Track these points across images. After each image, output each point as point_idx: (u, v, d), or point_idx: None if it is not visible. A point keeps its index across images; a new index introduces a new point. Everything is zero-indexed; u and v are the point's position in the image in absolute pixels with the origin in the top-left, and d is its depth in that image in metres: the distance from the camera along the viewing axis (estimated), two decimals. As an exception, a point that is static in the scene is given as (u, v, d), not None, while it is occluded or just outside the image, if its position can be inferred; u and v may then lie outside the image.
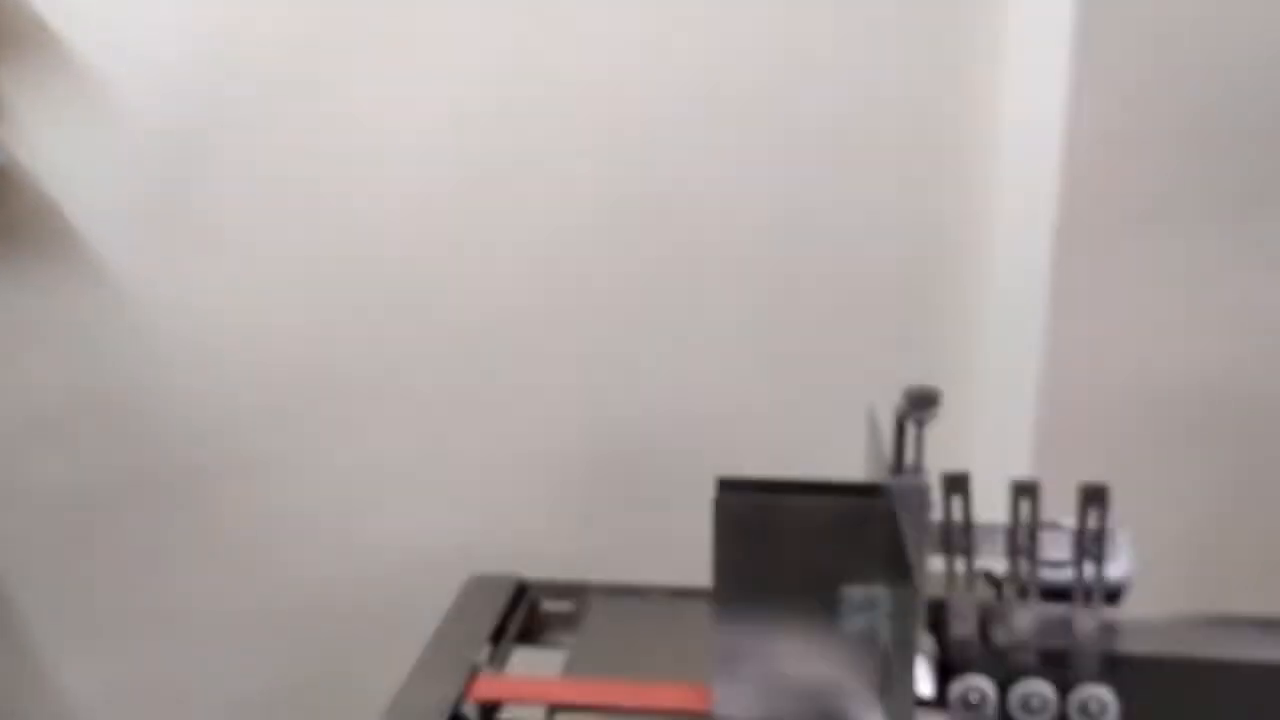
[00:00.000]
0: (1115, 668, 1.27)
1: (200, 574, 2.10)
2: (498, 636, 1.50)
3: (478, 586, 1.59)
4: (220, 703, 2.14)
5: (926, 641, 1.28)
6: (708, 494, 1.24)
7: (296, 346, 2.00)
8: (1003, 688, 1.23)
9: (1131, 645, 1.42)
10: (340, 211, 1.94)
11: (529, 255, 1.94)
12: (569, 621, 1.56)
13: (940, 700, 1.24)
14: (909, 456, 1.33)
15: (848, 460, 1.42)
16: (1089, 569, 1.23)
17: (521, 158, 1.91)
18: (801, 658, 1.25)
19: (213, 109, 1.91)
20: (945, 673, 1.25)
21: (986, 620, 1.44)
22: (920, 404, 1.28)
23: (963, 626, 1.26)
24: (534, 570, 1.61)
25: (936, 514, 1.26)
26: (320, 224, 1.95)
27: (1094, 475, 1.21)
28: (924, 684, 1.24)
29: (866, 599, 1.22)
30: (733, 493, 1.25)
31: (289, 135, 1.92)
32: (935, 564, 1.27)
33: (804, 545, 1.22)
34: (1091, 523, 1.21)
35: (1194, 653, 1.40)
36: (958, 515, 1.24)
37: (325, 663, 2.05)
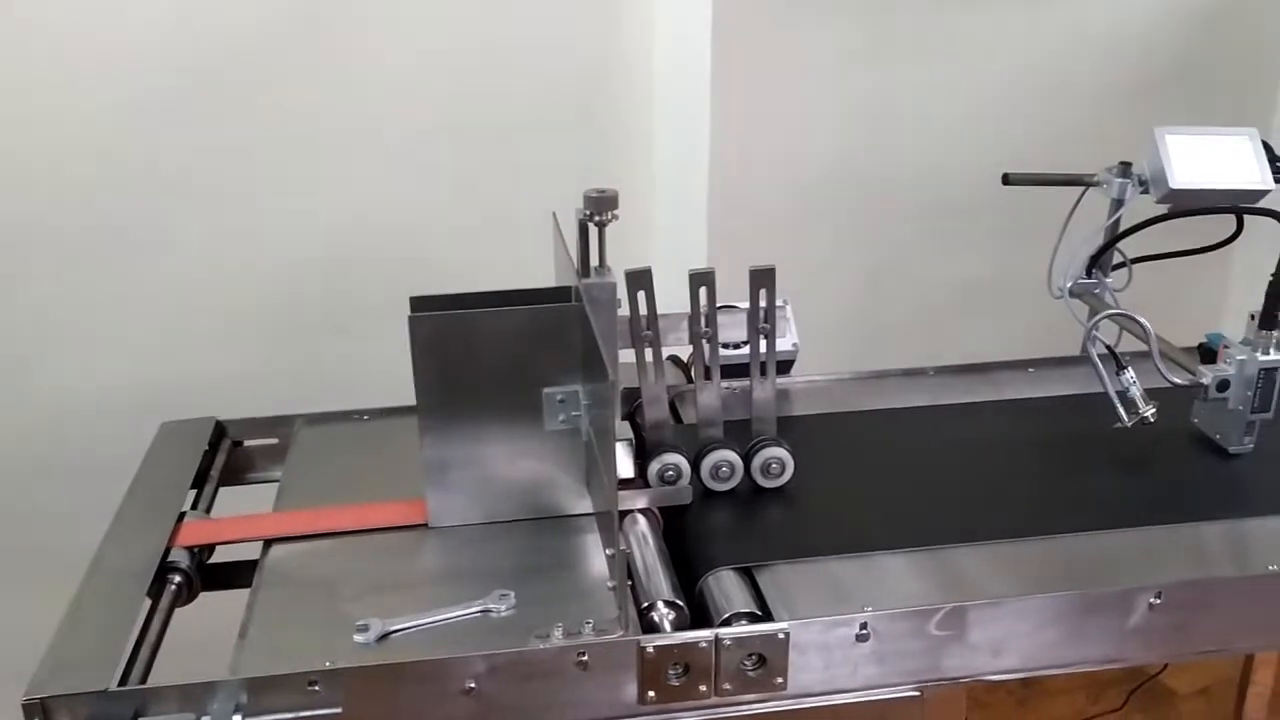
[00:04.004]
0: (790, 429, 1.41)
1: None
2: (200, 481, 1.46)
3: (173, 432, 1.53)
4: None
5: (624, 428, 1.37)
6: (402, 314, 1.24)
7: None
8: (695, 461, 1.34)
9: (801, 408, 1.59)
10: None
11: (197, 82, 1.78)
12: (275, 455, 1.53)
13: (641, 479, 1.34)
14: (594, 258, 1.38)
15: (537, 267, 1.45)
16: (763, 345, 1.34)
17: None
18: (510, 460, 1.30)
19: None
20: (643, 454, 1.35)
21: (676, 402, 1.56)
22: (600, 206, 1.32)
23: (656, 410, 1.35)
24: (234, 412, 1.56)
25: (624, 309, 1.32)
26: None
27: (760, 258, 1.30)
28: (625, 467, 1.33)
29: (566, 396, 1.29)
30: (426, 310, 1.26)
31: None
32: (626, 355, 1.35)
33: (502, 353, 1.26)
34: (762, 302, 1.31)
35: (852, 407, 1.59)
36: (643, 309, 1.31)
37: (15, 523, 1.92)
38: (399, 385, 1.32)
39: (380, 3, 1.82)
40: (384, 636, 1.12)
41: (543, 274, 1.43)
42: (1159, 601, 1.16)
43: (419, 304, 1.27)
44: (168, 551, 1.28)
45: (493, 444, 1.30)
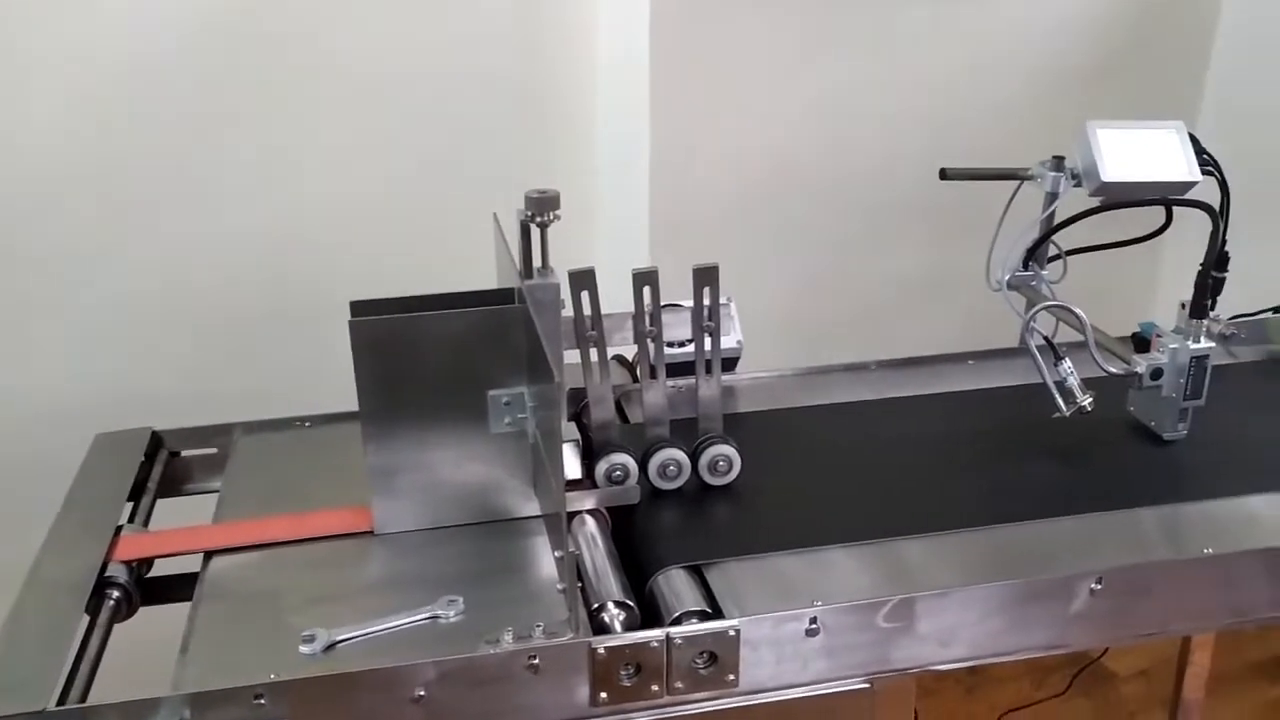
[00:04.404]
0: (736, 426, 1.41)
1: None
2: (137, 493, 1.42)
3: (108, 444, 1.49)
4: None
5: (570, 429, 1.37)
6: (343, 318, 1.22)
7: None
8: (642, 460, 1.34)
9: (747, 405, 1.60)
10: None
11: (131, 88, 1.74)
12: (214, 466, 1.50)
13: (589, 480, 1.34)
14: (536, 259, 1.37)
15: (479, 269, 1.44)
16: (707, 343, 1.35)
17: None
18: (455, 464, 1.29)
19: None
20: (590, 454, 1.34)
21: (622, 402, 1.56)
22: (541, 207, 1.32)
23: (602, 410, 1.35)
24: (171, 421, 1.53)
25: (567, 310, 1.32)
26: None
27: (703, 256, 1.30)
28: (572, 468, 1.33)
29: (511, 399, 1.28)
30: (367, 314, 1.24)
31: None
32: (571, 356, 1.34)
33: (445, 357, 1.25)
34: (706, 301, 1.32)
35: (797, 403, 1.60)
36: (587, 309, 1.30)
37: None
38: (341, 391, 1.31)
39: (314, 2, 1.80)
40: (330, 647, 1.11)
41: (485, 275, 1.42)
42: (1099, 587, 1.18)
43: (359, 308, 1.25)
44: (105, 566, 1.25)
45: (438, 448, 1.28)
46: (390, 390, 1.25)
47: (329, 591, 1.21)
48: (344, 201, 1.90)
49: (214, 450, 1.52)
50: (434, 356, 1.25)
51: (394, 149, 1.90)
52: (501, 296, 1.32)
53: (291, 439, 1.53)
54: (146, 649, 1.18)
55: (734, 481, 1.36)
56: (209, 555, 1.28)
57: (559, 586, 1.18)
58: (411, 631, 1.13)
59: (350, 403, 1.26)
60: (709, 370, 1.36)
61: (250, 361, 1.92)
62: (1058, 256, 1.57)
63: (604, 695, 1.10)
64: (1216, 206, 1.40)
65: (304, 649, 1.10)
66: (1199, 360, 1.41)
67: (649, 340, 1.34)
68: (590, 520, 1.29)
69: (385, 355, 1.24)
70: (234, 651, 1.13)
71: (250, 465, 1.47)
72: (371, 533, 1.30)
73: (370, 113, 1.87)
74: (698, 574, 1.21)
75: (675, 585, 1.19)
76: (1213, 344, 1.43)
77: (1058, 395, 1.40)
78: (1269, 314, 1.74)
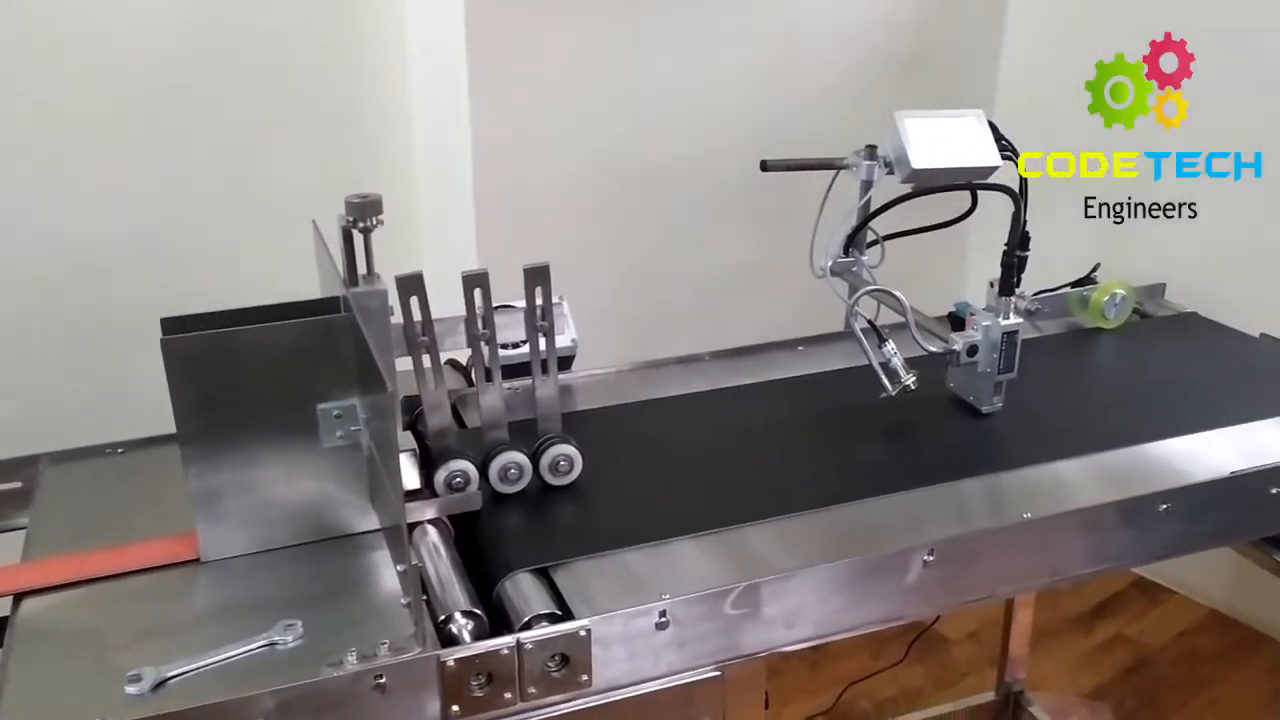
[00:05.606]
0: (575, 425, 1.41)
1: None
2: (-68, 537, 1.31)
3: (-108, 487, 1.37)
4: None
5: (406, 438, 1.33)
6: (152, 337, 1.16)
7: None
8: (482, 465, 1.32)
9: (585, 402, 1.60)
10: None
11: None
12: (18, 501, 1.40)
13: (428, 489, 1.30)
14: (361, 265, 1.33)
15: (299, 279, 1.39)
16: (542, 343, 1.33)
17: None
18: (286, 482, 1.24)
19: None
20: (428, 463, 1.31)
21: (459, 406, 1.53)
22: (363, 212, 1.28)
23: (438, 417, 1.32)
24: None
25: (396, 316, 1.28)
26: None
27: (532, 255, 1.29)
28: (410, 478, 1.29)
29: (343, 411, 1.24)
30: (181, 331, 1.17)
31: None
32: (403, 364, 1.31)
33: (268, 372, 1.20)
34: (538, 300, 1.30)
35: (634, 397, 1.61)
36: (417, 314, 1.27)
37: None
38: (156, 413, 1.23)
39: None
40: (160, 684, 1.04)
41: (306, 285, 1.37)
42: (931, 558, 1.23)
43: (171, 325, 1.19)
44: (-103, 619, 1.15)
45: (266, 467, 1.23)
46: (210, 410, 1.19)
47: (155, 626, 1.14)
48: (153, 206, 1.80)
49: (18, 484, 1.41)
50: (256, 372, 1.19)
51: (209, 152, 1.82)
52: (326, 306, 1.27)
53: (104, 467, 1.44)
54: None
55: (576, 480, 1.36)
56: (19, 597, 1.18)
57: (403, 601, 1.15)
58: (248, 661, 1.08)
59: (167, 425, 1.20)
60: (545, 370, 1.35)
61: (52, 388, 1.80)
62: (876, 242, 1.63)
63: (456, 708, 1.07)
64: (1017, 189, 1.48)
65: (130, 689, 1.03)
66: (1010, 335, 1.49)
67: (483, 343, 1.31)
68: (432, 530, 1.26)
69: (203, 374, 1.17)
70: (54, 698, 1.05)
71: (60, 498, 1.38)
72: (198, 560, 1.24)
73: (184, 112, 1.78)
74: (545, 576, 1.20)
75: (523, 589, 1.17)
76: (1021, 320, 1.51)
77: (884, 376, 1.45)
78: (1067, 288, 1.86)
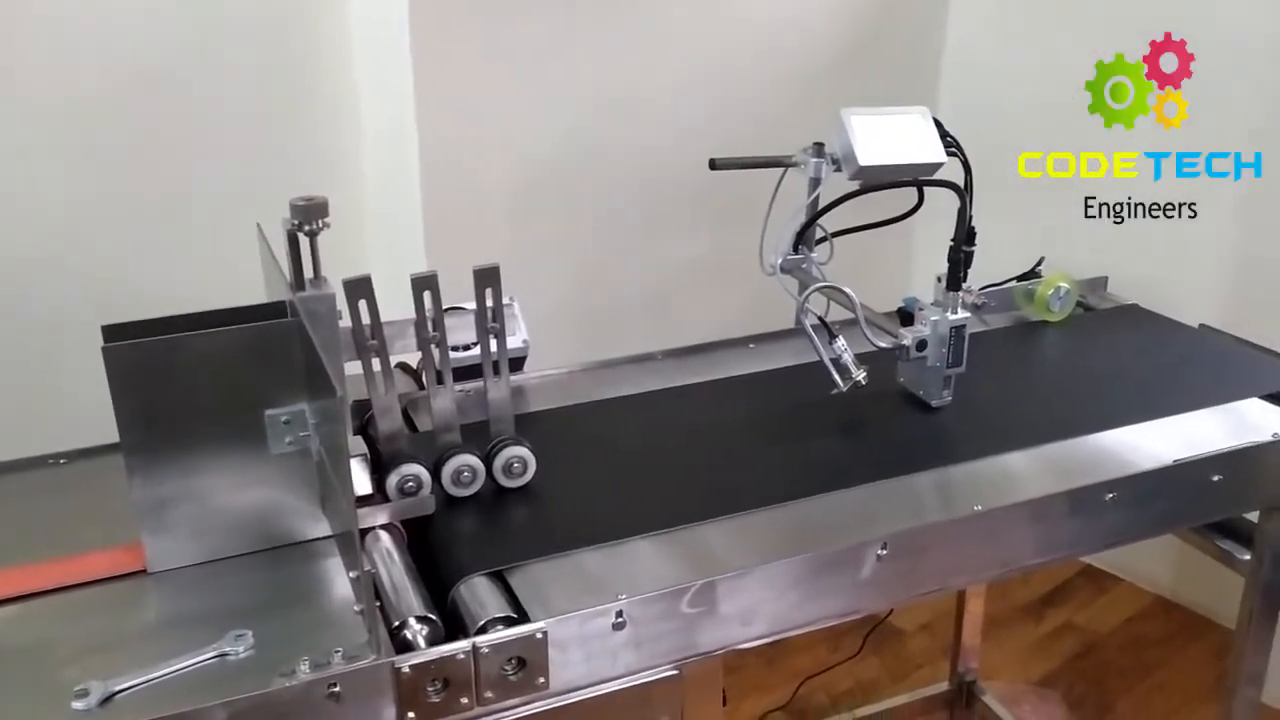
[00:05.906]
0: (528, 426, 1.40)
1: None
2: None
3: None
4: None
5: (357, 443, 1.32)
6: (92, 344, 1.13)
7: None
8: (435, 469, 1.31)
9: (537, 403, 1.59)
10: None
11: None
12: (-43, 515, 1.36)
13: (380, 494, 1.29)
14: (308, 269, 1.31)
15: (243, 284, 1.37)
16: (493, 345, 1.32)
17: None
18: (234, 490, 1.22)
19: None
20: (380, 467, 1.30)
21: (410, 410, 1.52)
22: (309, 215, 1.26)
23: (388, 421, 1.31)
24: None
25: (345, 320, 1.27)
26: None
27: (481, 256, 1.28)
28: (361, 483, 1.28)
29: (291, 417, 1.22)
30: (122, 339, 1.15)
31: None
32: (352, 368, 1.29)
33: (214, 378, 1.17)
34: (489, 302, 1.29)
35: (587, 397, 1.60)
36: (366, 317, 1.25)
37: None
38: (98, 421, 1.21)
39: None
40: (108, 699, 1.02)
41: (252, 289, 1.34)
42: (885, 552, 1.24)
43: (113, 333, 1.16)
44: None
45: (213, 475, 1.21)
46: (154, 418, 1.16)
47: (102, 639, 1.12)
48: (90, 207, 1.76)
49: (-45, 498, 1.37)
50: (201, 379, 1.17)
51: (151, 153, 1.78)
52: (272, 311, 1.25)
53: (45, 478, 1.40)
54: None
55: (530, 482, 1.35)
56: (-43, 616, 1.16)
57: (356, 608, 1.14)
58: (198, 673, 1.06)
59: (110, 434, 1.17)
60: (497, 372, 1.34)
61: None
62: (824, 239, 1.63)
63: (411, 715, 1.06)
64: (962, 185, 1.50)
65: (77, 705, 1.01)
66: (958, 330, 1.50)
67: (433, 346, 1.30)
68: (385, 535, 1.25)
69: (146, 381, 1.15)
70: (-5, 717, 1.03)
71: (0, 511, 1.34)
72: (145, 571, 1.21)
73: (120, 111, 1.74)
74: (500, 579, 1.19)
75: (478, 593, 1.16)
76: (969, 314, 1.52)
77: (834, 372, 1.46)
78: (1013, 282, 1.88)
